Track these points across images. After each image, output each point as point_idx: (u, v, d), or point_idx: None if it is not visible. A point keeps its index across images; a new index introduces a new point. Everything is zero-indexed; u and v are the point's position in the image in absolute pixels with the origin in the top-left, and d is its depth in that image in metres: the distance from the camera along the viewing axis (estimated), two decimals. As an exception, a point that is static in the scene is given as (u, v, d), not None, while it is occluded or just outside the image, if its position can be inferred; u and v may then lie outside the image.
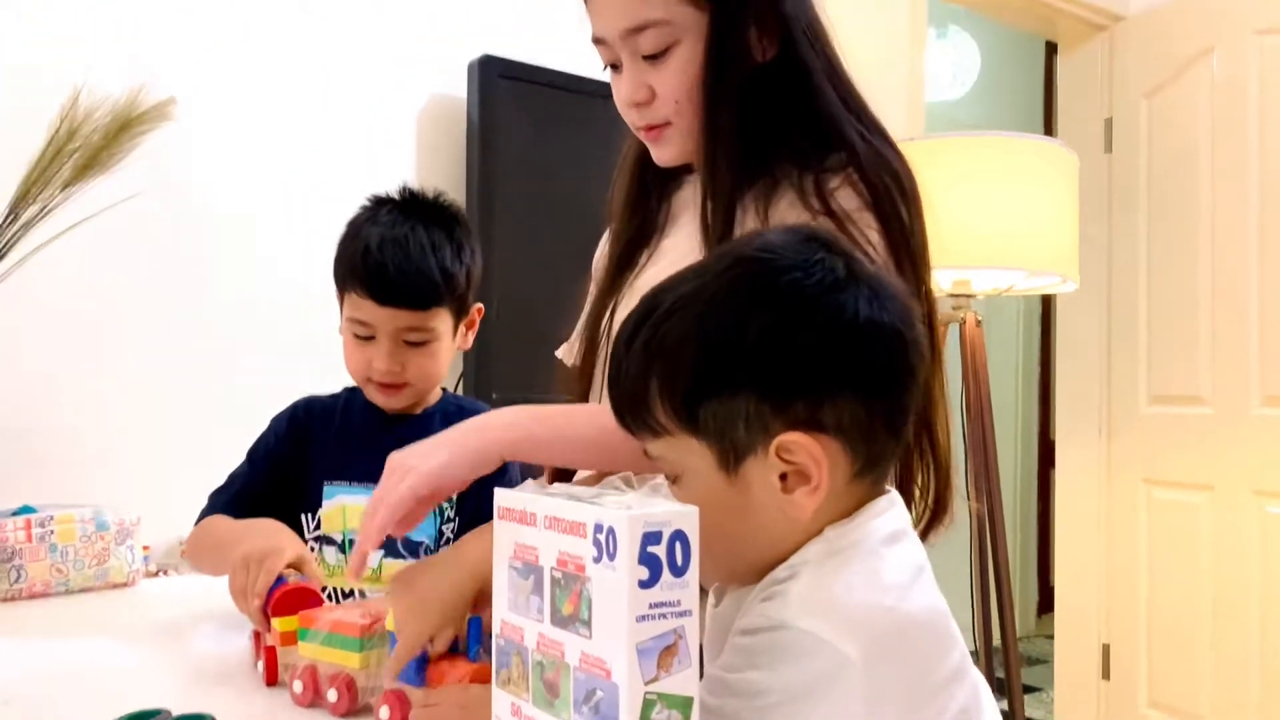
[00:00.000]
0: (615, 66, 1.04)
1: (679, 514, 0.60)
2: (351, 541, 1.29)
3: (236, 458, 1.43)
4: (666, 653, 0.59)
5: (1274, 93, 2.92)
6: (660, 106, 1.02)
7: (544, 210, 2.10)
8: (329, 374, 1.47)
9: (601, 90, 1.08)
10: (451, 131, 2.11)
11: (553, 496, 0.65)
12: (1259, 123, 2.95)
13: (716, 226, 0.99)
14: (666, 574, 0.59)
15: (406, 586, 0.92)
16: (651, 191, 1.13)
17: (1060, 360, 3.59)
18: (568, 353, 1.20)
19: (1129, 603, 3.26)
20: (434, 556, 0.94)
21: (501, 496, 0.70)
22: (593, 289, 1.18)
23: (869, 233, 0.95)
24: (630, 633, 0.58)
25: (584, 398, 1.12)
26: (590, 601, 0.60)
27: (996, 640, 2.47)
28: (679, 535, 0.60)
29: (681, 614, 0.60)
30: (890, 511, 0.73)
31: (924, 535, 0.98)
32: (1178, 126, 3.17)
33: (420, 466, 0.89)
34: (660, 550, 0.59)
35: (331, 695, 0.95)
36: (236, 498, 1.38)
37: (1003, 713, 0.72)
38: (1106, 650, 3.33)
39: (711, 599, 0.78)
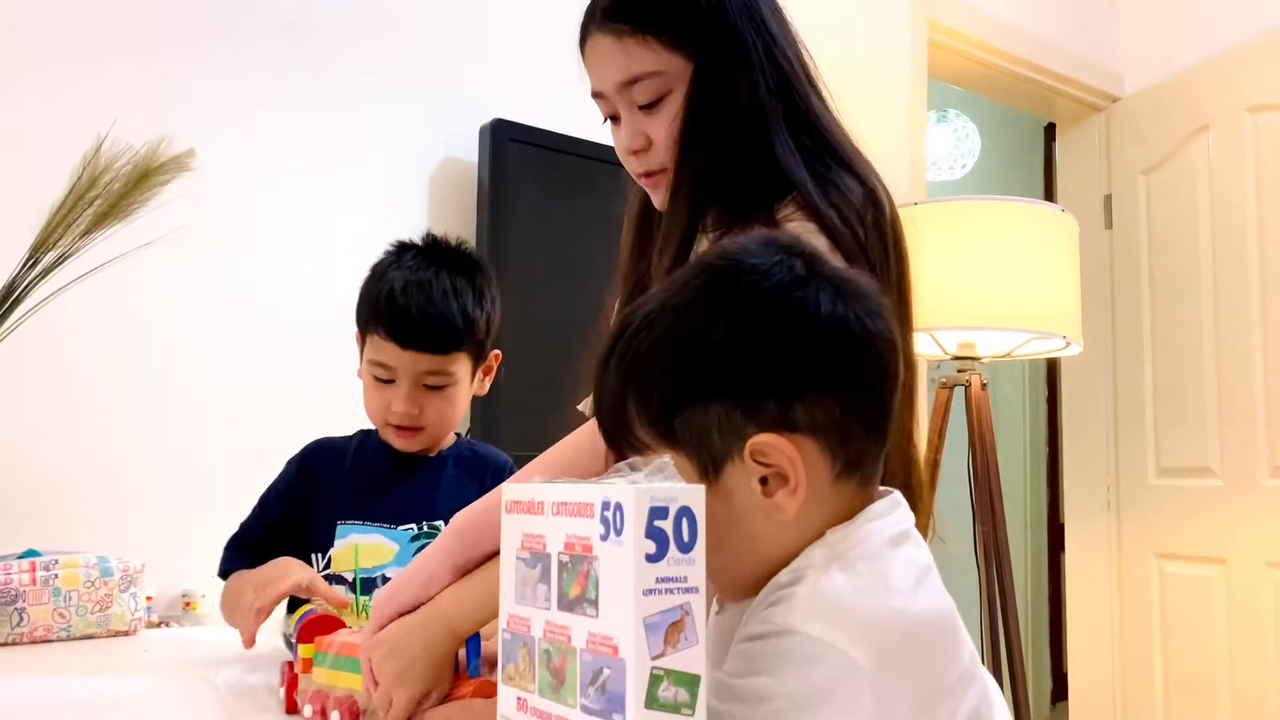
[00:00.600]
0: (614, 118, 1.08)
1: (686, 491, 0.60)
2: (363, 581, 1.28)
3: (244, 511, 1.44)
4: (673, 629, 0.59)
5: (1269, 167, 2.98)
6: (656, 153, 1.05)
7: (553, 271, 2.13)
8: (339, 429, 1.48)
9: (610, 155, 1.11)
10: (463, 193, 2.15)
11: (560, 484, 0.66)
12: (1256, 196, 3.00)
13: (666, 263, 1.02)
14: (673, 549, 0.59)
15: (387, 653, 0.90)
16: (656, 238, 1.15)
17: (1067, 434, 3.58)
18: (589, 406, 1.21)
19: (1144, 680, 3.19)
20: (410, 616, 0.93)
21: (509, 491, 0.70)
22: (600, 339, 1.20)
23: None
24: (637, 606, 0.58)
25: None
26: (597, 580, 0.60)
27: None
28: (686, 512, 0.60)
29: (688, 590, 0.60)
30: (893, 513, 0.72)
31: None
32: (1176, 202, 3.23)
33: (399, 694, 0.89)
34: (667, 525, 0.59)
35: (334, 718, 0.94)
36: (250, 544, 1.38)
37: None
38: (1123, 731, 3.25)
39: (714, 606, 0.77)
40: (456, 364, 1.32)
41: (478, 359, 1.37)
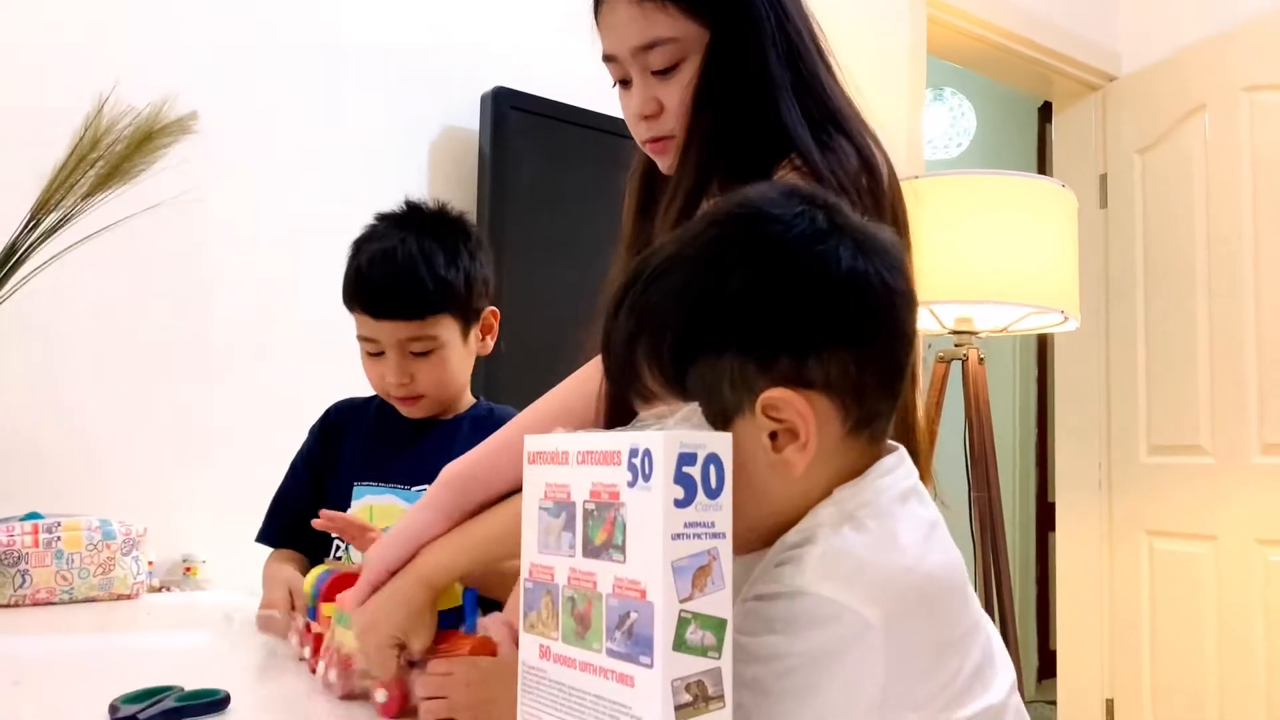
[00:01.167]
0: (625, 83, 1.08)
1: (714, 437, 0.61)
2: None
3: (244, 477, 1.44)
4: (701, 573, 0.59)
5: (1265, 146, 2.99)
6: (667, 120, 1.05)
7: (555, 239, 2.13)
8: (340, 394, 1.48)
9: (612, 125, 1.11)
10: (464, 162, 2.15)
11: (584, 434, 0.66)
12: (1251, 176, 3.01)
13: (670, 223, 1.02)
14: (701, 495, 0.60)
15: (362, 608, 0.91)
16: (660, 204, 1.15)
17: (1059, 412, 3.60)
18: None
19: (1132, 656, 3.23)
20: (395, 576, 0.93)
21: (531, 442, 0.70)
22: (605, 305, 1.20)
23: None
24: (666, 550, 0.58)
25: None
26: (624, 526, 0.61)
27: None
28: (713, 458, 0.60)
29: (716, 535, 0.60)
30: (899, 469, 0.72)
31: None
32: (1171, 181, 3.24)
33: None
34: (695, 471, 0.60)
35: (331, 675, 0.94)
36: (284, 517, 1.40)
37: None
38: (1110, 706, 3.28)
39: None
40: (439, 327, 1.32)
41: (465, 319, 1.36)
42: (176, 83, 1.62)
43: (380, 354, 1.33)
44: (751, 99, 1.03)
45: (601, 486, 0.63)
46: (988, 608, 2.42)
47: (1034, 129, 4.87)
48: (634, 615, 0.60)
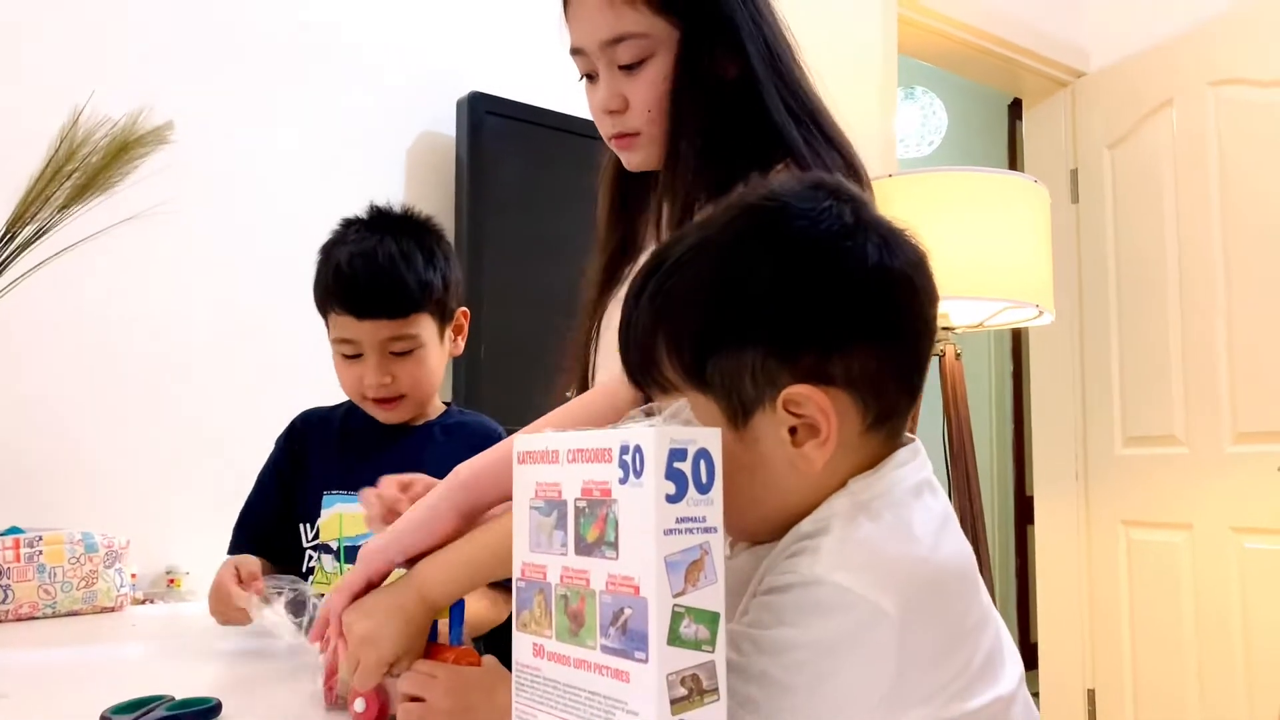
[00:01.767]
0: (591, 76, 1.08)
1: (703, 433, 0.61)
2: (347, 549, 1.29)
3: (227, 488, 1.44)
4: (693, 567, 0.60)
5: (1231, 140, 3.03)
6: (633, 116, 1.05)
7: (533, 243, 2.13)
8: (319, 402, 1.48)
9: (589, 128, 1.11)
10: (440, 167, 2.15)
11: (572, 433, 0.66)
12: (1219, 169, 3.05)
13: (672, 226, 1.02)
14: (692, 490, 0.60)
15: (360, 614, 0.89)
16: (631, 205, 1.15)
17: (1035, 406, 3.64)
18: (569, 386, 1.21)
19: (1112, 646, 3.26)
20: (388, 582, 0.91)
21: (520, 441, 0.71)
22: (582, 307, 1.20)
23: None
24: (658, 546, 0.59)
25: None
26: (616, 522, 0.61)
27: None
28: (704, 454, 0.61)
29: (707, 530, 0.61)
30: (914, 461, 0.72)
31: None
32: (1141, 175, 3.28)
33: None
34: (686, 467, 0.60)
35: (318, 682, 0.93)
36: (252, 527, 1.40)
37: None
38: (1092, 696, 3.32)
39: (726, 550, 0.78)
40: (419, 326, 1.33)
41: (442, 319, 1.37)
42: (152, 92, 1.61)
43: (357, 356, 1.33)
44: (738, 99, 1.03)
45: (593, 484, 0.63)
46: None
47: (1004, 126, 4.91)
48: (628, 611, 0.60)
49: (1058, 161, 3.53)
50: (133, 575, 1.59)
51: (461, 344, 1.43)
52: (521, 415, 1.18)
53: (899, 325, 0.70)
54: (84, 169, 1.48)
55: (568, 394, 1.17)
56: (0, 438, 1.69)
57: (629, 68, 1.03)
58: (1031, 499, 3.71)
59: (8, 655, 1.18)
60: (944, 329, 2.35)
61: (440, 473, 1.08)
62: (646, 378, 0.73)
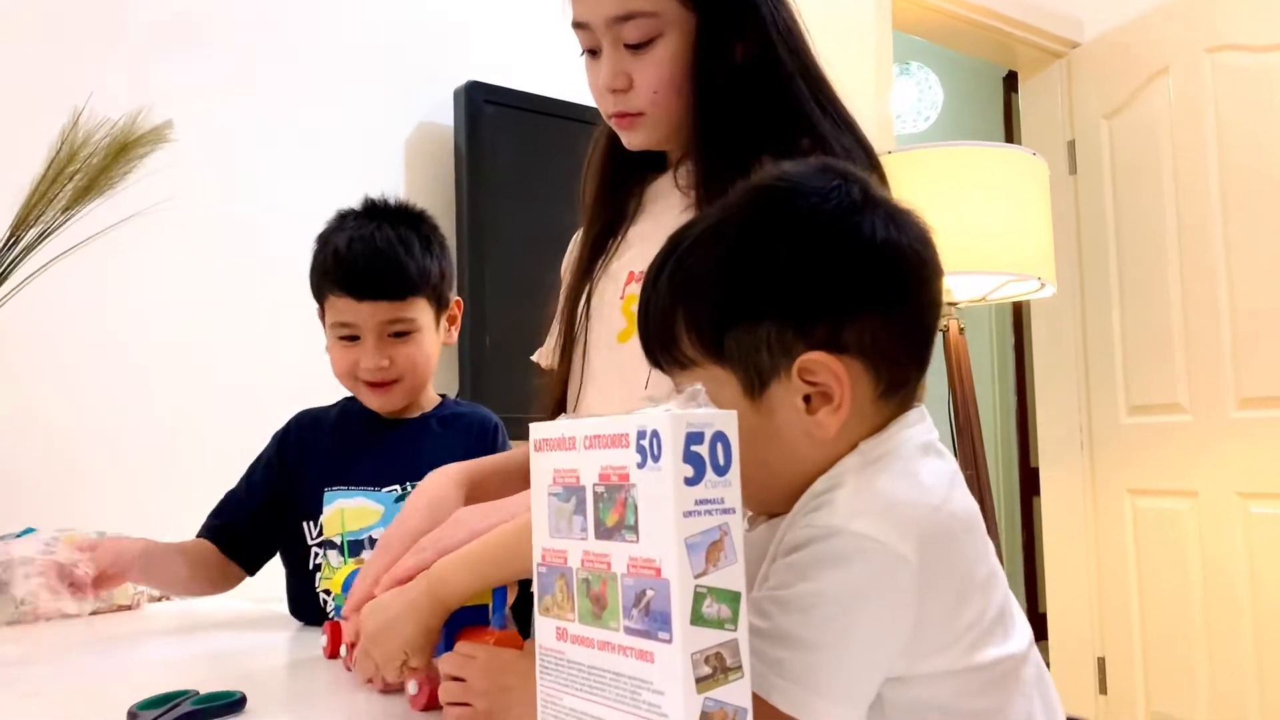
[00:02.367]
0: (593, 52, 1.06)
1: (719, 415, 0.62)
2: (350, 544, 1.31)
3: (230, 485, 1.45)
4: (713, 548, 0.61)
5: (1228, 106, 3.02)
6: (637, 96, 1.04)
7: (533, 232, 2.13)
8: (320, 398, 1.49)
9: (588, 115, 1.11)
10: (439, 157, 2.15)
11: (589, 419, 0.67)
12: (1217, 135, 3.05)
13: (700, 208, 1.02)
14: (710, 472, 0.61)
15: (374, 609, 0.92)
16: (620, 185, 1.15)
17: (1038, 378, 3.64)
18: (545, 355, 1.21)
19: (1121, 614, 3.28)
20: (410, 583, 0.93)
21: (536, 429, 0.71)
22: (564, 284, 1.20)
23: None
24: (678, 528, 0.59)
25: (561, 400, 1.14)
26: (636, 506, 0.62)
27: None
28: (720, 436, 0.62)
29: (726, 511, 0.61)
30: (922, 424, 0.74)
31: None
32: (1139, 144, 3.27)
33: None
34: (703, 450, 0.61)
35: (410, 688, 0.94)
36: (229, 517, 1.43)
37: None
38: (1102, 664, 3.34)
39: (745, 526, 0.79)
40: (416, 309, 1.35)
41: (438, 305, 1.39)
42: (150, 90, 1.61)
43: (354, 340, 1.34)
44: (761, 82, 1.03)
45: (611, 469, 0.64)
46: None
47: (1000, 99, 4.91)
48: (650, 593, 0.61)
49: (1055, 133, 3.53)
50: (148, 573, 1.60)
51: (455, 334, 1.45)
52: (525, 402, 1.19)
53: (908, 296, 0.73)
54: (85, 170, 1.49)
55: (549, 365, 1.18)
56: (12, 439, 1.70)
57: (635, 47, 1.02)
58: (1037, 470, 3.72)
59: (31, 656, 1.19)
60: (947, 304, 2.35)
61: (436, 461, 1.10)
62: (666, 355, 0.75)
